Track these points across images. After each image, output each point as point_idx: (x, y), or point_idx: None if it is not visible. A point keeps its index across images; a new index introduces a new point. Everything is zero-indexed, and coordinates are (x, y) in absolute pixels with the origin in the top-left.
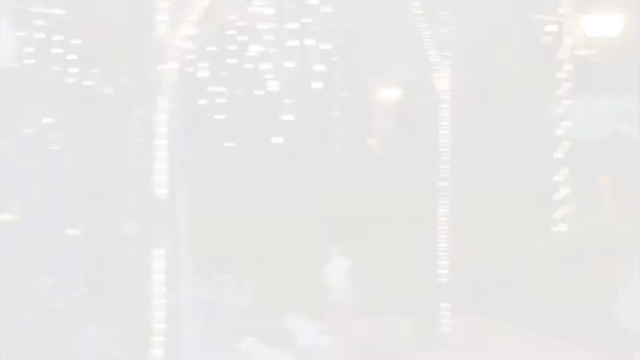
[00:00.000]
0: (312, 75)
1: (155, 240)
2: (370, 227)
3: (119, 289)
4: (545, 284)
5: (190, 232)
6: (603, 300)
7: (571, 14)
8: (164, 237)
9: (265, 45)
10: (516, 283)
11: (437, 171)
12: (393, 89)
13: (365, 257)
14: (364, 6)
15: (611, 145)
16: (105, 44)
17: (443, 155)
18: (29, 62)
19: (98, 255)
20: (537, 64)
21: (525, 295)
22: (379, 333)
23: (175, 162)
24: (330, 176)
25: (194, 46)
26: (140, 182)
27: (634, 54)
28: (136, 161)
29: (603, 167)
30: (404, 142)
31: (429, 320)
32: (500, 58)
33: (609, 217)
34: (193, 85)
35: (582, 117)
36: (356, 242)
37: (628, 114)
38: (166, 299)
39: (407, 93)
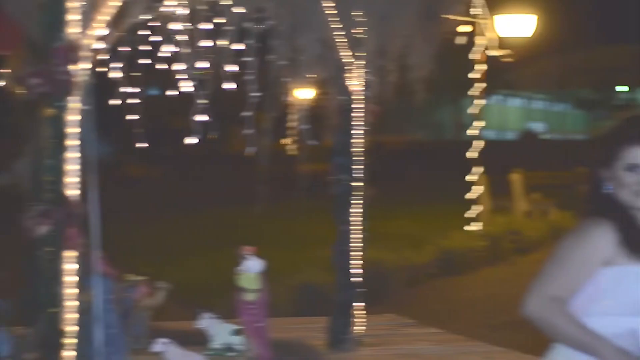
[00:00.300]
0: (225, 75)
1: (66, 241)
2: (285, 227)
3: (29, 292)
4: (458, 282)
5: (102, 233)
6: (515, 297)
7: (484, 15)
8: (76, 238)
9: (178, 46)
10: (429, 282)
11: (350, 171)
12: (306, 89)
13: (280, 257)
14: (278, 7)
15: (522, 143)
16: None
17: (356, 155)
18: None
19: (7, 257)
20: (450, 65)
21: (438, 294)
22: (293, 333)
23: (86, 163)
24: (244, 176)
25: (105, 46)
26: (51, 183)
27: (545, 55)
28: (47, 162)
29: (515, 166)
30: (317, 142)
31: (343, 320)
32: (414, 58)
33: (522, 215)
34: (105, 85)
35: (495, 117)
36: (271, 242)
37: (538, 113)
38: (78, 301)
39: (320, 93)
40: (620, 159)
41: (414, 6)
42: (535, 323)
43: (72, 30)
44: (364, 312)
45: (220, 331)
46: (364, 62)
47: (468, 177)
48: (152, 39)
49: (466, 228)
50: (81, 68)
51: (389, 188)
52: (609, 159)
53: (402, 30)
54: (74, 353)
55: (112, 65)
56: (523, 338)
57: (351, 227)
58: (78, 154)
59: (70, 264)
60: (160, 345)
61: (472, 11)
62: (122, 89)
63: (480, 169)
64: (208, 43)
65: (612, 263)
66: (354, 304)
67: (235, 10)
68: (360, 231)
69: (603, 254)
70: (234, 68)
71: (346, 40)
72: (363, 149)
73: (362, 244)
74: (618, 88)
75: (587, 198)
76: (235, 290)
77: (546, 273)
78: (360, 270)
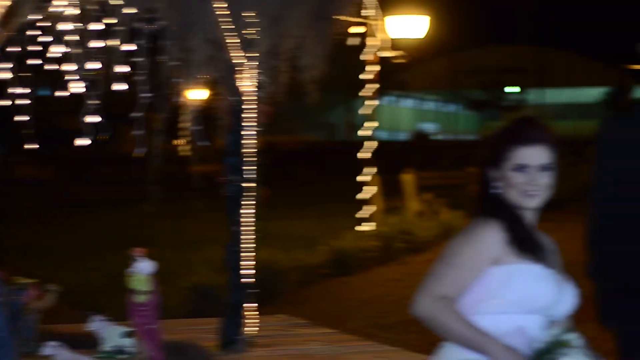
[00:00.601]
0: (116, 76)
1: None
2: (177, 227)
3: None
4: (350, 282)
5: None
6: (406, 296)
7: (376, 16)
8: None
9: (69, 46)
10: (322, 282)
11: (242, 172)
12: (198, 89)
13: (172, 258)
14: (168, 7)
15: (414, 144)
16: None
17: (248, 156)
18: None
19: None
20: (342, 66)
21: (330, 294)
22: (185, 334)
23: None
24: (136, 177)
25: None
26: None
27: (436, 56)
28: None
29: (407, 166)
30: (209, 143)
31: (234, 321)
32: (306, 59)
33: (413, 215)
34: None
35: (387, 118)
36: (163, 243)
37: (430, 114)
38: None
39: (211, 94)
40: (508, 159)
41: (305, 7)
42: (424, 322)
43: None
44: (256, 312)
45: (111, 334)
46: (256, 63)
47: (360, 178)
48: (41, 39)
49: (358, 228)
50: None
51: (282, 189)
52: (497, 159)
53: (293, 31)
54: None
55: (1, 65)
56: (414, 337)
57: (243, 228)
58: None
59: None
60: (50, 348)
61: (364, 12)
62: (11, 90)
63: (372, 170)
64: (98, 43)
65: (500, 262)
66: (245, 304)
67: (126, 10)
68: (252, 232)
69: (492, 253)
70: (125, 69)
71: (238, 40)
72: (255, 150)
73: (254, 245)
74: (508, 89)
75: (476, 198)
76: (126, 292)
77: (436, 272)
78: (252, 271)
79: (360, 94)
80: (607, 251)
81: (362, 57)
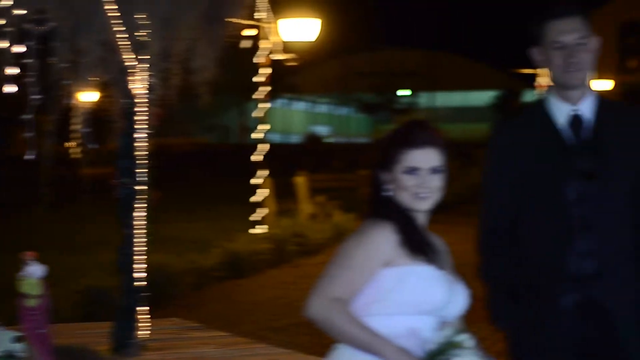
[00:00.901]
0: (6, 78)
1: None
2: (69, 230)
3: None
4: (243, 285)
5: None
6: (299, 299)
7: (268, 19)
8: None
9: None
10: (215, 285)
11: (134, 174)
12: (89, 91)
13: (64, 261)
14: (59, 8)
15: (307, 147)
16: None
17: (140, 158)
18: None
19: None
20: (235, 68)
21: (223, 297)
22: (77, 338)
23: None
24: (26, 180)
25: None
26: None
27: (328, 59)
28: None
29: (300, 169)
30: (100, 145)
31: (127, 324)
32: (198, 61)
33: (306, 218)
34: None
35: (280, 120)
36: (54, 246)
37: (322, 117)
38: None
39: (103, 96)
40: (399, 162)
41: (197, 9)
42: (318, 324)
43: None
44: (149, 316)
45: (0, 338)
46: (148, 65)
47: (253, 180)
48: None
49: (251, 231)
50: None
51: (175, 191)
52: (388, 162)
53: (186, 33)
54: None
55: None
56: (307, 339)
57: (135, 231)
58: None
59: None
60: None
61: (257, 15)
62: None
63: (265, 172)
64: None
65: (392, 264)
66: (138, 308)
67: (16, 11)
68: (145, 235)
69: (384, 255)
70: (15, 70)
71: (129, 42)
72: (147, 152)
73: (146, 248)
74: (399, 92)
75: (368, 200)
76: (16, 296)
77: (329, 275)
78: (145, 274)
79: (253, 96)
80: (498, 253)
81: (255, 60)
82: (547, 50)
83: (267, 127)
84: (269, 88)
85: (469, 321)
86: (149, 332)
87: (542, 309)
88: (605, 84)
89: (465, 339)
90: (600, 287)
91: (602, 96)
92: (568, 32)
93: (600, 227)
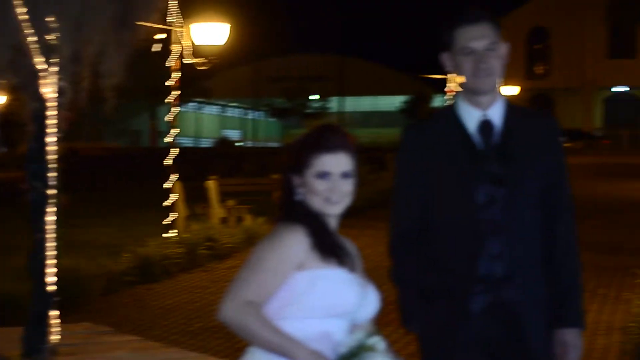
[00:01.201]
0: None
1: None
2: None
3: None
4: (156, 289)
5: None
6: (211, 303)
7: (179, 23)
8: None
9: None
10: (127, 290)
11: (44, 178)
12: None
13: None
14: None
15: (218, 151)
16: None
17: (50, 162)
18: None
19: None
20: (146, 72)
21: (136, 301)
22: None
23: None
24: None
25: None
26: None
27: (240, 64)
28: None
29: (211, 173)
30: (7, 149)
31: (38, 329)
32: (109, 65)
33: (218, 222)
34: None
35: (191, 125)
36: None
37: (233, 121)
38: None
39: (12, 99)
40: (310, 167)
41: (108, 13)
42: (231, 328)
43: None
44: (60, 321)
45: None
46: (58, 69)
47: (165, 185)
48: None
49: (163, 235)
50: None
51: (85, 195)
52: (300, 166)
53: (96, 36)
54: None
55: None
56: (219, 343)
57: (46, 236)
58: None
59: None
60: None
61: (168, 19)
62: None
63: (176, 176)
64: None
65: (305, 267)
66: (49, 313)
67: None
68: (56, 239)
69: (296, 258)
70: None
71: (39, 46)
72: (57, 156)
73: (57, 253)
74: (310, 97)
75: (280, 204)
76: None
77: (241, 278)
78: (56, 279)
79: (165, 100)
80: (409, 256)
81: (167, 64)
82: (457, 56)
83: (177, 131)
84: (179, 92)
85: (380, 324)
86: (59, 337)
87: (453, 311)
88: (512, 90)
89: (377, 341)
90: (510, 289)
91: (510, 102)
92: (478, 38)
93: (510, 231)
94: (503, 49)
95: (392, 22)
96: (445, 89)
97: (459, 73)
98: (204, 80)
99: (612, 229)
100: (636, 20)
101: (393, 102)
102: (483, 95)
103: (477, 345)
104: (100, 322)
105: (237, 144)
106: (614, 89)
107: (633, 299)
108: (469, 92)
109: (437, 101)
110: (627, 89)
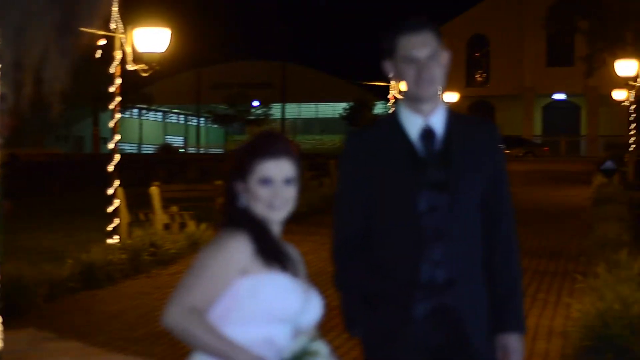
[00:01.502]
0: None
1: None
2: None
3: None
4: (99, 295)
5: None
6: (155, 308)
7: (121, 29)
8: None
9: None
10: (70, 296)
11: None
12: None
13: None
14: None
15: (160, 157)
16: None
17: None
18: None
19: None
20: (89, 78)
21: (79, 307)
22: None
23: None
24: None
25: None
26: None
27: (182, 70)
28: None
29: (154, 179)
30: None
31: None
32: (51, 71)
33: (161, 228)
34: None
35: (133, 131)
36: None
37: (176, 127)
38: None
39: None
40: (253, 173)
41: (50, 19)
42: (175, 334)
43: None
44: (3, 327)
45: None
46: None
47: (108, 191)
48: None
49: (107, 241)
50: None
51: (28, 201)
52: (243, 172)
53: (38, 42)
54: None
55: None
56: (163, 349)
57: None
58: None
59: None
60: None
61: (111, 25)
62: None
63: (119, 182)
64: None
65: (248, 273)
66: None
67: None
68: None
69: (239, 264)
70: None
71: None
72: None
73: None
74: (253, 103)
75: (223, 210)
76: None
77: (185, 284)
78: None
79: (108, 106)
80: (352, 261)
81: (109, 71)
82: (399, 64)
83: (119, 137)
84: (121, 98)
85: (323, 329)
86: (3, 343)
87: (396, 317)
88: (451, 97)
89: (320, 347)
90: (452, 294)
91: (452, 109)
92: (419, 46)
93: (452, 237)
94: (444, 57)
95: (334, 29)
96: (388, 96)
97: (401, 80)
98: (146, 86)
99: (552, 235)
100: (574, 30)
101: (335, 109)
102: (425, 102)
103: (420, 350)
104: (43, 329)
105: (179, 150)
106: (553, 97)
107: (573, 304)
108: (411, 99)
109: (379, 108)
110: (565, 96)
